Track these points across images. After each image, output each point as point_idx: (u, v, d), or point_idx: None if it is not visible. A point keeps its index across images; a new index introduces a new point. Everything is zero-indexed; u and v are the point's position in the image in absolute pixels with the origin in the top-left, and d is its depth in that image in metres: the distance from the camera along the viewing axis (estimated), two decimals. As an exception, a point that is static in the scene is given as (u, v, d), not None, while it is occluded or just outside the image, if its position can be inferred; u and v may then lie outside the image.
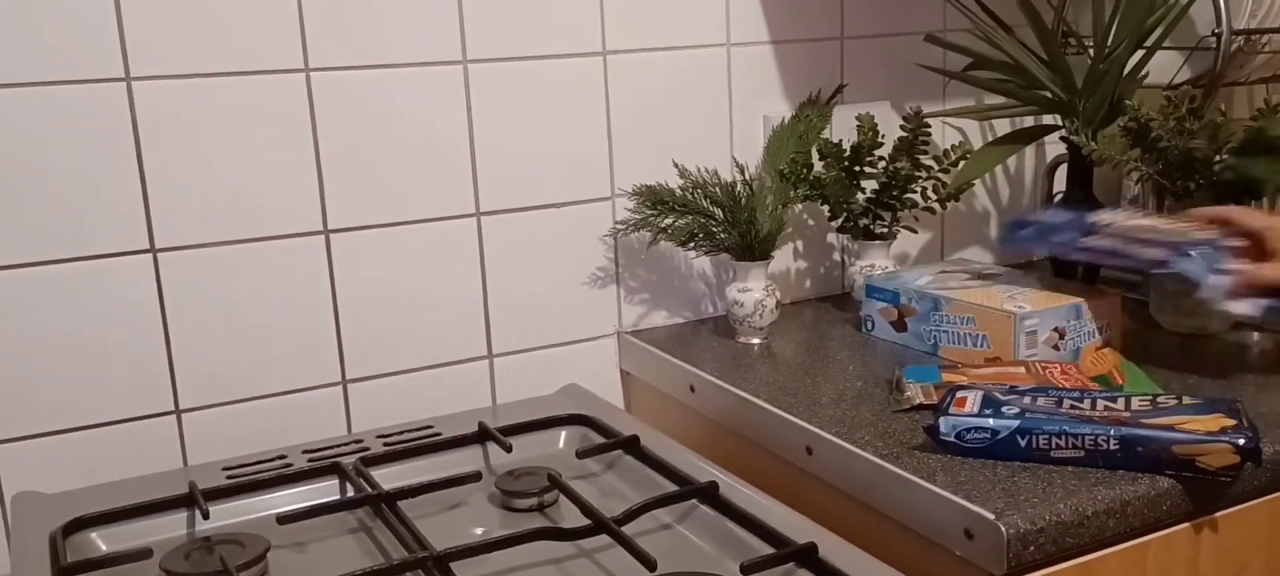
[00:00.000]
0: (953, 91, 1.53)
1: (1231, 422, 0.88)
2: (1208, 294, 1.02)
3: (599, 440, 1.09)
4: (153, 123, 1.08)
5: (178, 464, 1.14)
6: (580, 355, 1.33)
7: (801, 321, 1.38)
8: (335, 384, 1.20)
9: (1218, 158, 1.20)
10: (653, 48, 1.31)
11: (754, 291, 1.26)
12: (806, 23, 1.41)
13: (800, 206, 1.42)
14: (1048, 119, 1.40)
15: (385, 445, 1.11)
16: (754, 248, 1.25)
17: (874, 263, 1.36)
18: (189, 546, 0.91)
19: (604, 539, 0.91)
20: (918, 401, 1.04)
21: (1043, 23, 1.31)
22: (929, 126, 1.32)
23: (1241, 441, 0.86)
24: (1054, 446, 0.90)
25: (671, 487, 0.98)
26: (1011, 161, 1.61)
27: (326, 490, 1.04)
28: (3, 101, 1.02)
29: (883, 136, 1.32)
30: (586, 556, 0.92)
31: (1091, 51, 1.32)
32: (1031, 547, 0.83)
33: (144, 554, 0.90)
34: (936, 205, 1.35)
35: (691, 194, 1.27)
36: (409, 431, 1.15)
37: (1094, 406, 0.93)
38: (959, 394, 0.98)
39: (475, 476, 1.02)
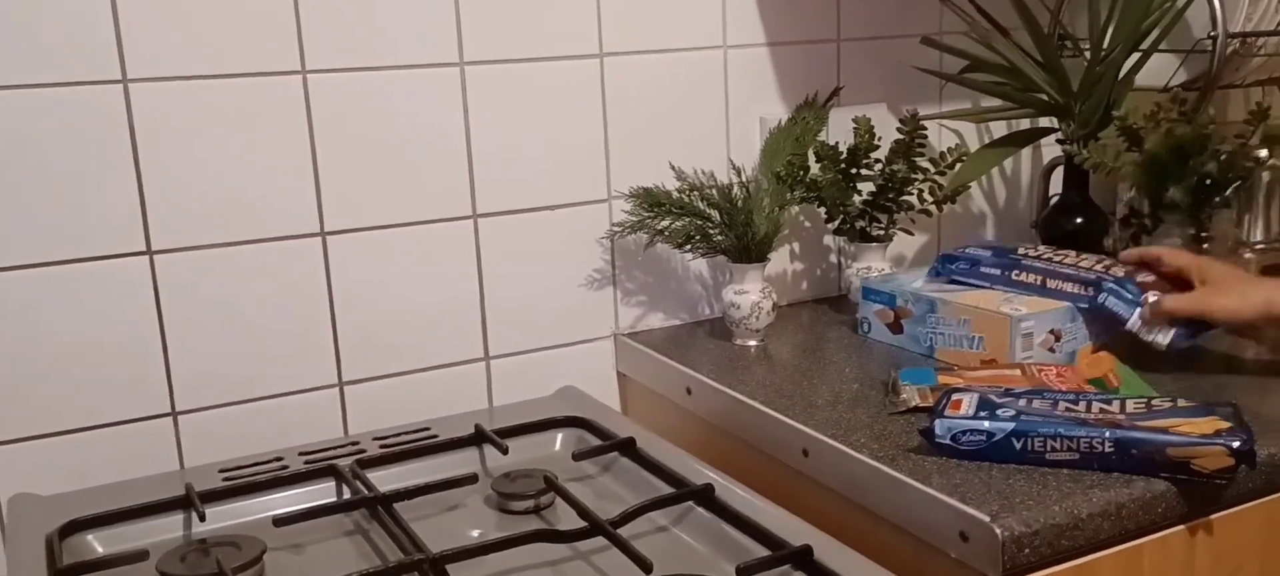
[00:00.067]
0: (949, 94, 1.53)
1: (1226, 425, 0.89)
2: (1131, 327, 1.11)
3: (595, 442, 1.09)
4: (149, 125, 1.08)
5: (174, 466, 1.14)
6: (577, 357, 1.33)
7: (798, 323, 1.38)
8: (331, 386, 1.20)
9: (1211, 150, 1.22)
10: (649, 50, 1.31)
11: (750, 293, 1.26)
12: (803, 25, 1.41)
13: (797, 208, 1.42)
14: (1044, 121, 1.40)
15: (381, 447, 1.11)
16: (750, 250, 1.25)
17: (870, 265, 1.36)
18: (185, 548, 0.91)
19: (600, 541, 0.91)
20: (913, 403, 1.04)
21: (1038, 26, 1.32)
22: (925, 129, 1.32)
23: (1236, 444, 0.86)
24: (1049, 449, 0.90)
25: (668, 490, 0.99)
26: (1008, 164, 1.61)
27: (323, 492, 1.04)
28: (-1, 103, 1.02)
29: (879, 139, 1.32)
30: (582, 558, 0.92)
31: (1088, 54, 1.32)
32: (1026, 550, 0.83)
33: (140, 556, 0.90)
34: (933, 207, 1.35)
35: (688, 196, 1.27)
36: (405, 433, 1.15)
37: (1089, 409, 0.94)
38: (955, 396, 0.98)
39: (471, 478, 1.02)
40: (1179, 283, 1.12)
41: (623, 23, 1.29)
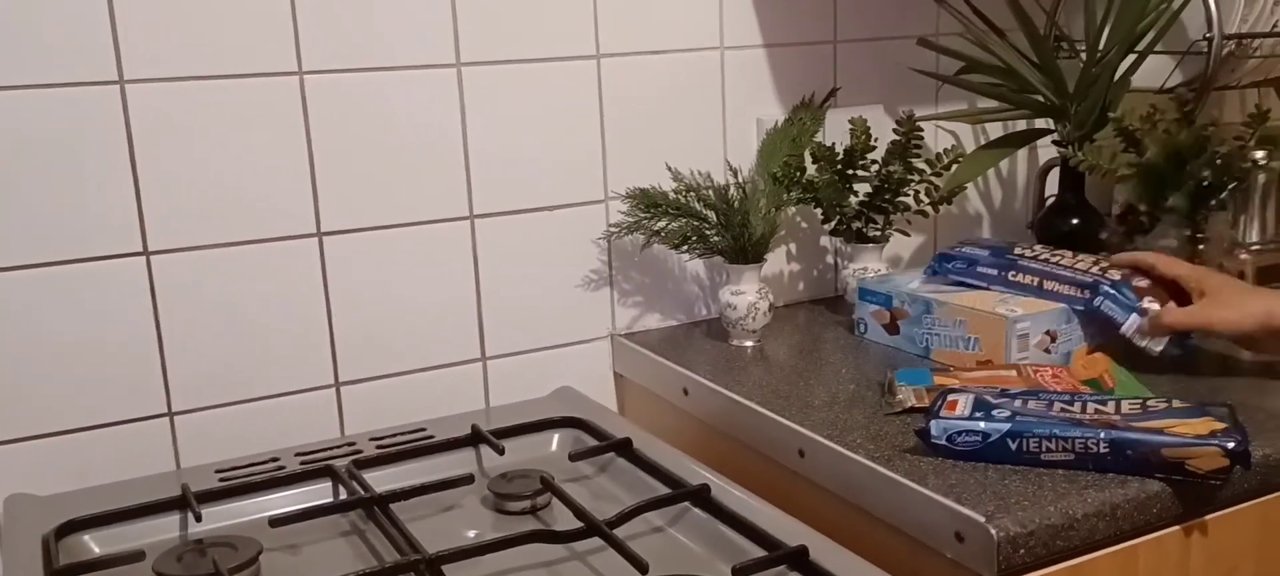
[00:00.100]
0: (945, 95, 1.53)
1: (1221, 426, 0.89)
2: (1125, 332, 1.11)
3: (592, 443, 1.09)
4: (146, 125, 1.08)
5: (170, 466, 1.14)
6: (573, 358, 1.33)
7: (794, 324, 1.38)
8: (328, 386, 1.20)
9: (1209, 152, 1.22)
10: (646, 51, 1.31)
11: (747, 294, 1.26)
12: (799, 26, 1.41)
13: (793, 209, 1.42)
14: (1040, 123, 1.41)
15: (378, 448, 1.11)
16: (747, 250, 1.26)
17: (867, 265, 1.37)
18: (181, 549, 0.91)
19: (596, 541, 0.91)
20: (909, 404, 1.04)
21: (1035, 27, 1.32)
22: (922, 130, 1.32)
23: (1230, 444, 0.86)
24: (1044, 449, 0.91)
25: (664, 490, 0.99)
26: (1004, 165, 1.61)
27: (319, 493, 1.04)
28: (-4, 104, 1.02)
29: (876, 140, 1.32)
30: (579, 559, 0.92)
31: (1083, 56, 1.33)
32: (1022, 550, 0.83)
33: (137, 556, 0.90)
34: (929, 208, 1.36)
35: (685, 197, 1.27)
36: (402, 434, 1.15)
37: (1084, 410, 0.94)
38: (950, 397, 0.98)
39: (468, 479, 1.02)
40: (1174, 289, 1.13)
41: (619, 24, 1.29)
